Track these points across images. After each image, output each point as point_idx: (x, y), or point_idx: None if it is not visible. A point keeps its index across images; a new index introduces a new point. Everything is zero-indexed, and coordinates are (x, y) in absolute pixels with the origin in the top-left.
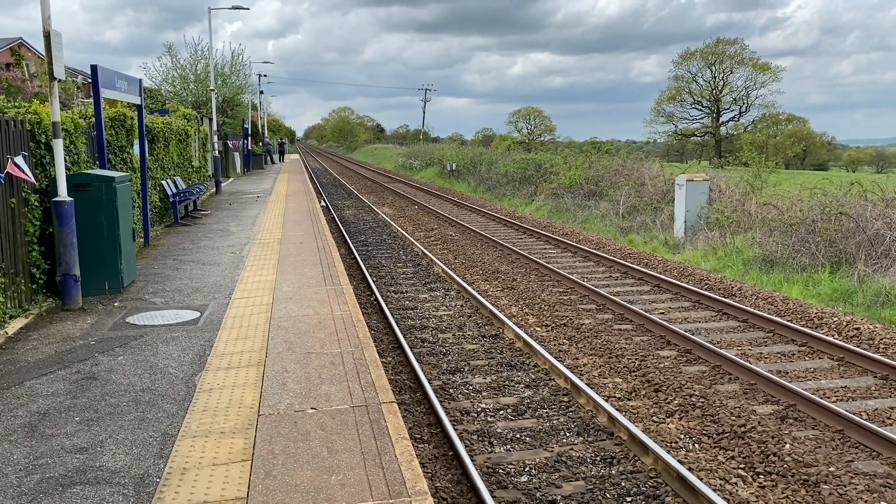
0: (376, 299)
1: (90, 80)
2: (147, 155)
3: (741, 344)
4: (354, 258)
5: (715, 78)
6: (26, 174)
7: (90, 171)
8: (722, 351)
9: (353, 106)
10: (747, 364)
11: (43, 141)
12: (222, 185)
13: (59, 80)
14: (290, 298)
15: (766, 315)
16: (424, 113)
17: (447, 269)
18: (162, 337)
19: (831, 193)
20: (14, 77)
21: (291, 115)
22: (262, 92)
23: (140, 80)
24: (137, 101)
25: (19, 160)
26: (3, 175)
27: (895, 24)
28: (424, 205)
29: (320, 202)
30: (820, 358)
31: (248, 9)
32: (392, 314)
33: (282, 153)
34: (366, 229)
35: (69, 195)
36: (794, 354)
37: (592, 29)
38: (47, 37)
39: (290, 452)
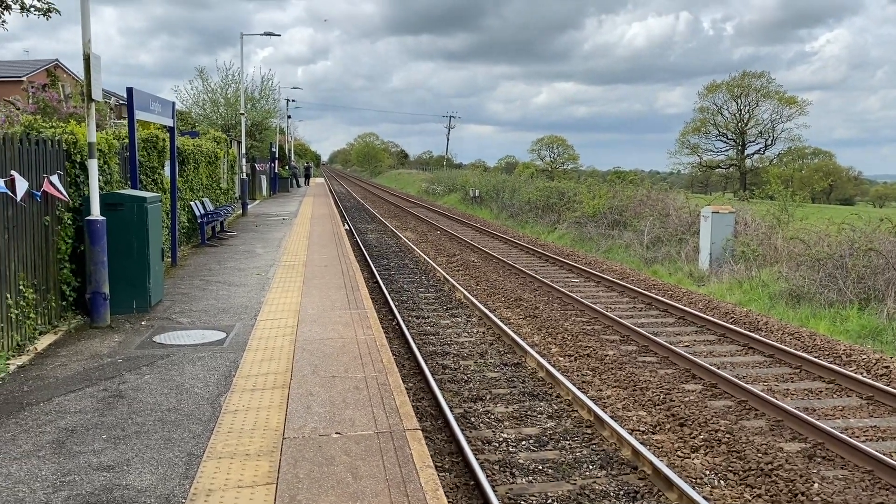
0: (398, 324)
1: (123, 102)
2: (177, 176)
3: (767, 379)
4: (377, 282)
5: (741, 110)
6: (61, 193)
7: (122, 191)
8: (748, 386)
9: (378, 131)
10: (774, 400)
11: (78, 161)
12: (249, 207)
13: (96, 102)
14: (314, 321)
15: (792, 350)
16: (448, 139)
17: (469, 296)
18: (188, 357)
19: (860, 229)
20: (50, 98)
21: (317, 139)
22: (289, 116)
23: (173, 103)
24: (170, 123)
25: (55, 179)
26: (38, 193)
27: None
28: (447, 230)
29: (344, 226)
30: (849, 396)
31: (279, 35)
32: (413, 339)
33: (307, 177)
34: (388, 253)
35: (102, 214)
36: (821, 391)
37: (619, 60)
38: (87, 59)
39: (314, 477)
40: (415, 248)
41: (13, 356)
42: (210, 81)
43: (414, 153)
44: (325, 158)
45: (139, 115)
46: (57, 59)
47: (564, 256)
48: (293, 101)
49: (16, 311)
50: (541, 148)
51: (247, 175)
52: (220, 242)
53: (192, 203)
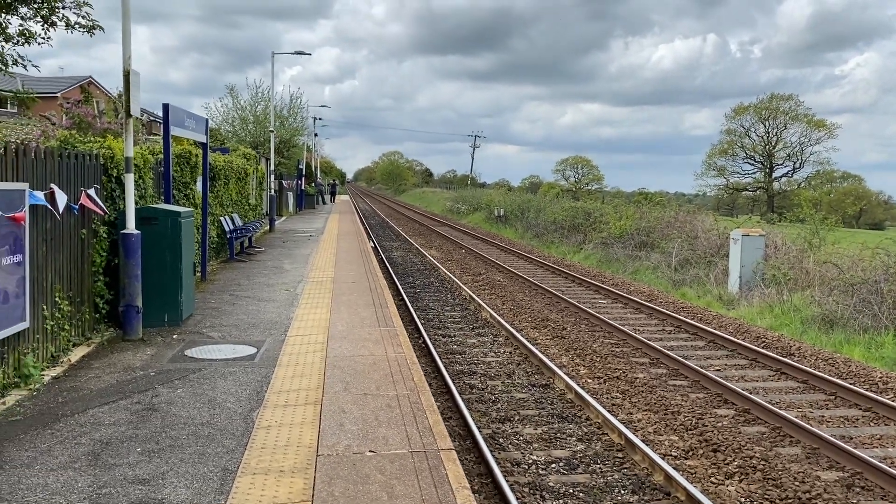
0: (424, 342)
1: (153, 119)
2: (208, 191)
3: (801, 405)
4: (402, 299)
5: (768, 133)
6: (99, 206)
7: (157, 206)
8: (782, 412)
9: (403, 150)
10: (809, 427)
11: (114, 175)
12: (276, 223)
13: (135, 118)
14: (344, 337)
15: (827, 377)
16: (473, 159)
17: (495, 315)
18: (220, 371)
19: (895, 254)
20: (86, 113)
21: (342, 157)
22: (316, 134)
23: (207, 120)
24: (203, 139)
25: (92, 192)
26: (76, 206)
27: None
28: (472, 249)
29: (369, 243)
30: (886, 424)
31: (310, 54)
32: (440, 358)
33: (333, 194)
34: (413, 271)
35: (136, 228)
36: (857, 419)
37: (645, 81)
38: (127, 75)
39: (349, 495)
40: (440, 266)
41: (48, 367)
42: (240, 99)
43: (438, 172)
44: (349, 176)
45: (174, 130)
46: (90, 76)
47: (591, 277)
48: (320, 119)
49: (51, 323)
50: (565, 168)
51: (274, 192)
52: (248, 258)
53: (221, 218)
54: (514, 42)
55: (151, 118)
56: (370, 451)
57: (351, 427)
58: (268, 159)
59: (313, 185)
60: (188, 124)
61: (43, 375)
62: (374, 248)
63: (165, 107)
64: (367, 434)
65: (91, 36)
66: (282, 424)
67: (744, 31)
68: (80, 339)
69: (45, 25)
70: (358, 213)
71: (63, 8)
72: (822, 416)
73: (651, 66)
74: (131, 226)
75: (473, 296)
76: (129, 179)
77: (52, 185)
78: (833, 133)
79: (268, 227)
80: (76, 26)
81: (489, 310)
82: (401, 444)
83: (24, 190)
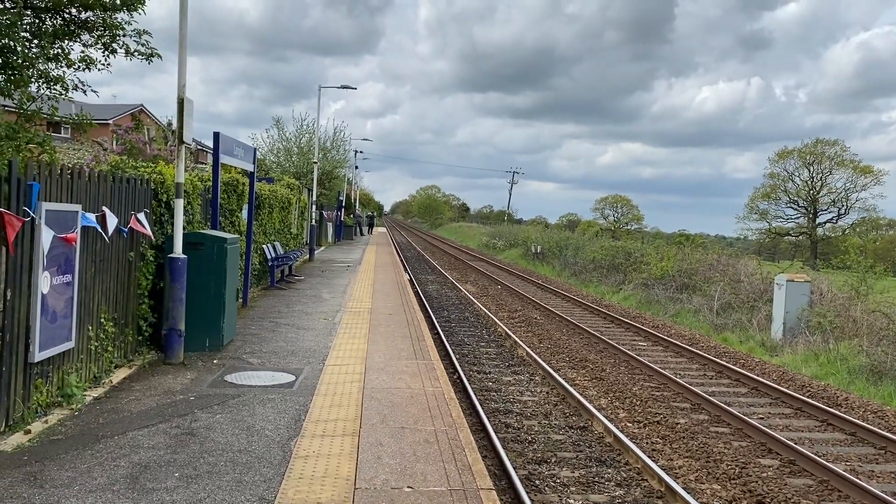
0: (459, 377)
1: (201, 147)
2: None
3: (849, 459)
4: (437, 333)
5: (813, 178)
6: (146, 230)
7: (204, 231)
8: (830, 465)
9: (440, 184)
10: (859, 482)
11: (164, 200)
12: (315, 252)
13: (187, 145)
14: (381, 369)
15: (876, 430)
16: (511, 195)
17: (532, 353)
18: (258, 398)
19: None
20: (137, 140)
21: (381, 189)
22: (356, 167)
23: (255, 150)
24: (251, 168)
25: (141, 216)
26: (126, 229)
27: None
28: (508, 285)
29: (406, 275)
30: None
31: (355, 88)
32: (475, 394)
33: (371, 226)
34: (448, 305)
35: (183, 253)
36: None
37: (687, 123)
38: (181, 103)
39: None
40: (475, 301)
41: (90, 388)
42: (285, 131)
43: (475, 207)
44: (387, 208)
45: (224, 158)
46: (142, 105)
47: (631, 318)
48: (361, 151)
49: (96, 344)
50: (604, 207)
51: (315, 222)
52: (288, 286)
53: (264, 246)
54: (556, 81)
55: (200, 147)
56: (408, 486)
57: (389, 461)
58: (310, 190)
59: (352, 216)
60: (237, 153)
61: (85, 396)
62: (410, 281)
63: (216, 135)
64: (405, 469)
65: (149, 63)
66: (319, 455)
67: (789, 76)
68: (122, 360)
69: (106, 52)
70: (394, 244)
71: (124, 36)
72: (872, 471)
73: (694, 107)
74: (178, 250)
75: (510, 332)
76: (179, 205)
77: (104, 208)
78: (880, 179)
79: (308, 257)
80: (136, 53)
81: (526, 347)
82: (439, 482)
83: (77, 211)
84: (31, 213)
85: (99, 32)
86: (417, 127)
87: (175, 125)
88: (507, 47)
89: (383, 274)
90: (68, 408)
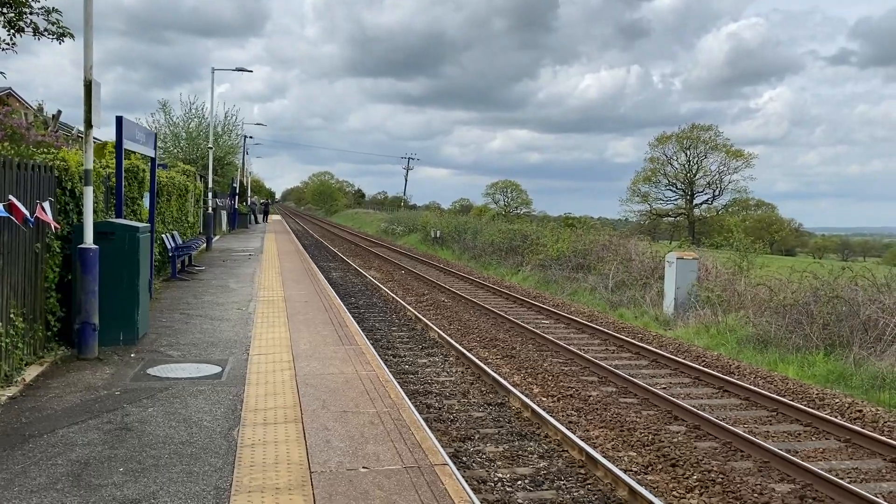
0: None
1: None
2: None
3: (747, 421)
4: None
5: (689, 161)
6: (51, 220)
7: (115, 220)
8: (732, 427)
9: (333, 170)
10: (759, 442)
11: (68, 188)
12: (212, 241)
13: (94, 129)
14: (310, 356)
15: (767, 394)
16: (406, 181)
17: (444, 334)
18: (188, 390)
19: (822, 277)
20: (19, 125)
21: (271, 176)
22: (247, 153)
23: (155, 134)
24: (152, 153)
25: (46, 205)
26: (32, 220)
27: (860, 120)
28: (411, 270)
29: (312, 262)
30: (827, 439)
31: (251, 71)
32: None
33: (266, 213)
34: (355, 292)
35: (94, 243)
36: (800, 434)
37: (572, 110)
38: (87, 85)
39: None
40: (381, 286)
41: (2, 387)
42: (172, 115)
43: (370, 193)
44: (278, 196)
45: (126, 144)
46: (10, 88)
47: (532, 298)
48: (251, 137)
49: (6, 340)
50: (495, 192)
51: (212, 209)
52: (191, 276)
53: (163, 235)
54: (446, 68)
55: (79, 135)
56: (363, 467)
57: (338, 444)
58: (203, 177)
59: (245, 203)
60: (139, 138)
61: (0, 395)
62: (319, 268)
63: (119, 119)
64: (356, 451)
65: (60, 43)
66: (266, 442)
67: (666, 64)
68: (32, 357)
69: (12, 31)
70: (293, 232)
71: (31, 13)
72: (768, 432)
73: (578, 94)
74: (89, 240)
75: (420, 316)
76: (88, 192)
77: (10, 197)
78: (750, 163)
79: (205, 246)
80: (45, 33)
81: (437, 329)
82: (392, 460)
83: None
84: None
85: (3, 10)
86: (307, 112)
87: (53, 110)
88: (396, 32)
89: (289, 262)
90: None
